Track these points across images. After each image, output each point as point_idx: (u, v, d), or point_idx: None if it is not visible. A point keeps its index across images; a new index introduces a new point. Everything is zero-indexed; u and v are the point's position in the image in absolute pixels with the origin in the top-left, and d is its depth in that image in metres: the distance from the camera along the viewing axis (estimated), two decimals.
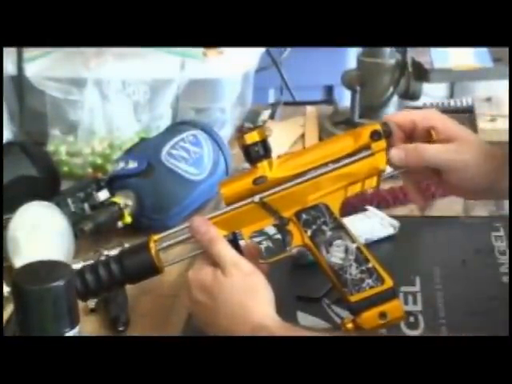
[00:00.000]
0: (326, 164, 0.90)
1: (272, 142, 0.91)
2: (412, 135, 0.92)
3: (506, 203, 1.19)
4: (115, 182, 1.20)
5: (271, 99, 1.98)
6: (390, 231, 1.17)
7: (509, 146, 0.91)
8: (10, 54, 1.36)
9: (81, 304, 0.84)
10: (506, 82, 1.43)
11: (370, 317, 0.87)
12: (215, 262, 0.88)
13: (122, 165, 1.21)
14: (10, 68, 1.38)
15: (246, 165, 0.93)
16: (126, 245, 1.08)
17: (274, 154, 0.91)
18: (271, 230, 0.95)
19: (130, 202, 1.17)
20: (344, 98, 1.79)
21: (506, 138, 1.18)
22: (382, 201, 1.25)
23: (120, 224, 1.16)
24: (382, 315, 0.87)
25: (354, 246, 0.88)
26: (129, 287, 0.97)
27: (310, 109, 1.64)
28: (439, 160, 0.89)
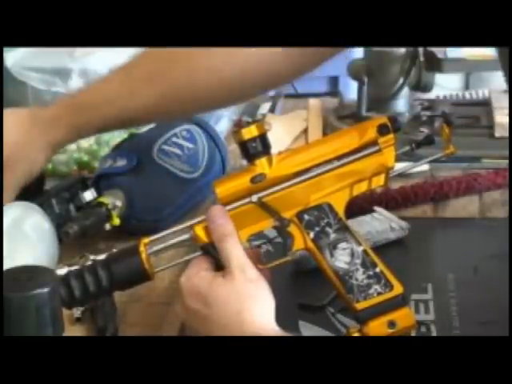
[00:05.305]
0: (329, 161, 0.90)
1: (272, 137, 0.91)
2: None
3: None
4: (103, 181, 1.20)
5: (271, 91, 1.98)
6: (400, 234, 1.17)
7: (509, 146, 0.92)
8: None
9: (66, 313, 0.84)
10: None
11: (377, 326, 0.87)
12: (211, 267, 0.88)
13: (109, 162, 1.21)
14: None
15: (245, 162, 0.93)
16: (114, 249, 1.09)
17: (274, 150, 0.92)
18: (271, 233, 0.95)
19: (118, 203, 1.17)
20: (350, 90, 1.80)
21: None
22: (390, 201, 1.25)
23: (108, 226, 1.16)
24: (391, 324, 0.87)
25: (360, 249, 0.88)
26: (117, 294, 0.98)
27: (313, 101, 1.65)
28: None
